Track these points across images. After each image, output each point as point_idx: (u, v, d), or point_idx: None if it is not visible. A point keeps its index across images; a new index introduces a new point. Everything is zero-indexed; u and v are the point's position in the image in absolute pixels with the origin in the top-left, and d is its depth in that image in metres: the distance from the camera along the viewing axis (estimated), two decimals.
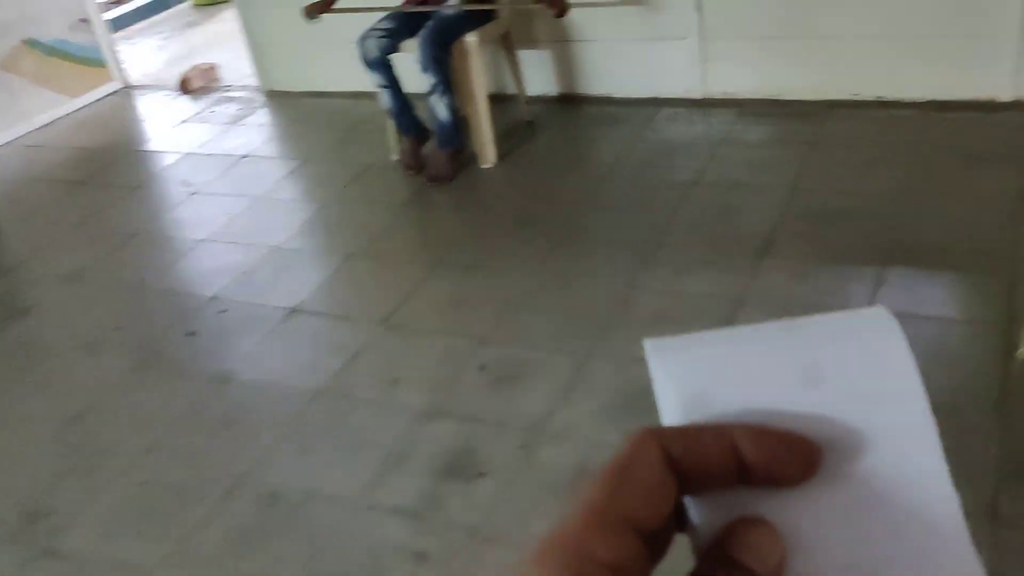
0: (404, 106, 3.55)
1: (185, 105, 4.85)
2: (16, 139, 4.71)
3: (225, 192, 3.80)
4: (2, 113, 4.67)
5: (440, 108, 3.46)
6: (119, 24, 6.12)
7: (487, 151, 3.59)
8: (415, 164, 3.60)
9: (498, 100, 4.03)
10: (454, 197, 3.47)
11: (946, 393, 2.06)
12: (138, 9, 6.65)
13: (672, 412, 0.32)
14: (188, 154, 4.23)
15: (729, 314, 2.53)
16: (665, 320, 2.56)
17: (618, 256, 2.89)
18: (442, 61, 3.39)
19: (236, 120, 4.50)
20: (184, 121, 4.64)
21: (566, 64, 3.98)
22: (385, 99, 3.53)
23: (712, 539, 0.31)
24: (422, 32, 3.37)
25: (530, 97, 3.99)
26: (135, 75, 5.39)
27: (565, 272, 2.86)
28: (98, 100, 5.07)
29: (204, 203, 3.75)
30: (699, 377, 0.33)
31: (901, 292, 2.52)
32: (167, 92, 5.10)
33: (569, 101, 4.03)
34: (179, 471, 2.33)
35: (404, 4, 3.62)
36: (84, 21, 4.98)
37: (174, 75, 5.14)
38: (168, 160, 4.22)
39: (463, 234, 3.21)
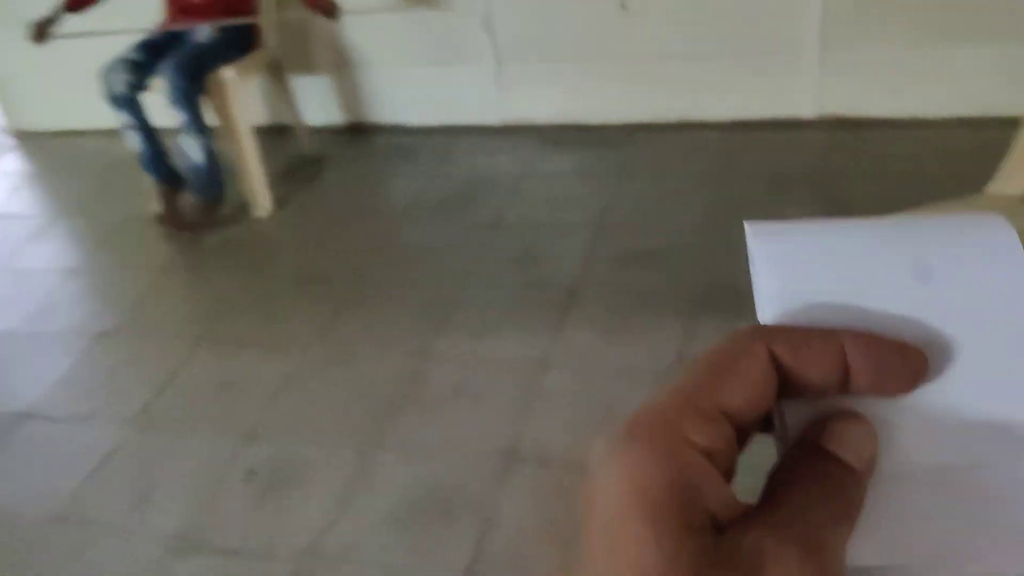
0: (156, 150, 3.09)
1: None
2: None
3: None
4: None
5: (192, 149, 3.02)
6: None
7: (260, 198, 3.17)
8: (173, 217, 3.14)
9: (278, 133, 3.63)
10: (223, 254, 3.04)
11: None
12: None
13: (772, 301, 0.31)
14: None
15: (531, 381, 2.25)
16: (460, 395, 2.24)
17: (410, 319, 2.56)
18: (192, 95, 2.95)
19: None
20: None
21: (351, 91, 3.61)
22: (134, 141, 3.06)
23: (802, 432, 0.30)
24: (169, 61, 2.92)
25: (314, 128, 3.60)
26: None
27: (350, 342, 2.50)
28: None
29: None
30: (803, 265, 0.32)
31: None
32: None
33: (358, 131, 3.66)
34: None
35: (156, 30, 3.15)
36: None
37: None
38: None
39: (234, 300, 2.79)
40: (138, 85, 2.98)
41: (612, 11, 3.17)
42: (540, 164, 3.27)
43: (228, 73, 2.99)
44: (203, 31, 3.03)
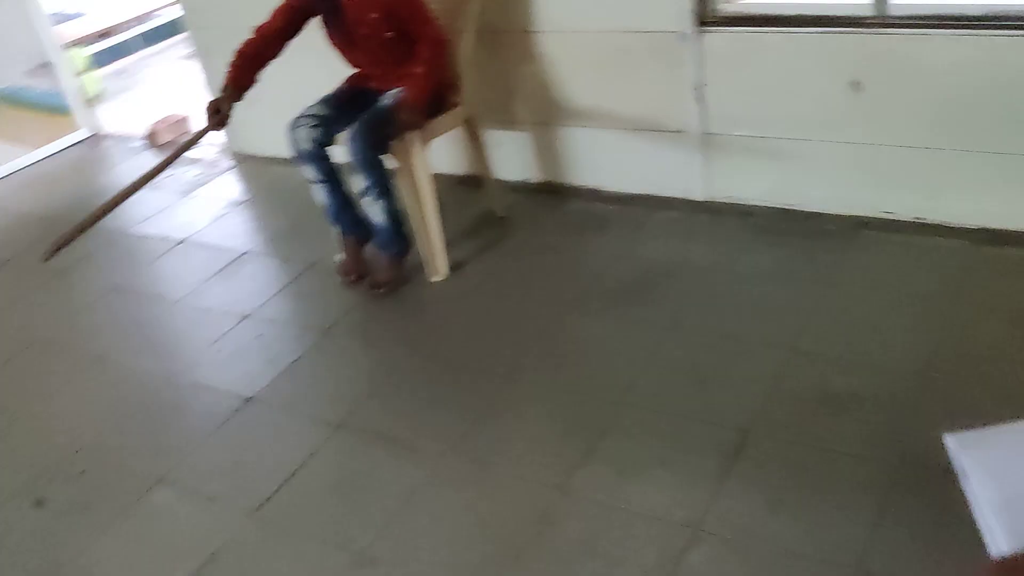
0: (342, 202, 3.02)
1: (150, 162, 4.39)
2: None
3: (144, 290, 3.31)
4: None
5: (375, 212, 2.92)
6: (103, 59, 5.71)
7: (437, 261, 3.02)
8: (354, 269, 3.07)
9: (466, 184, 3.48)
10: (388, 321, 2.90)
11: None
12: (133, 40, 6.22)
13: (993, 514, 0.22)
14: (125, 234, 3.75)
15: (676, 552, 1.92)
16: (593, 553, 1.96)
17: (555, 438, 2.29)
18: (376, 162, 2.84)
19: (190, 190, 4.02)
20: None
21: (548, 149, 3.38)
22: (320, 195, 3.00)
23: None
24: (355, 125, 2.82)
25: (507, 183, 3.41)
26: (110, 120, 4.96)
27: (488, 455, 2.27)
28: (58, 152, 4.65)
29: (117, 305, 3.26)
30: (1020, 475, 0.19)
31: (901, 551, 1.86)
32: (136, 144, 4.65)
33: (551, 192, 3.42)
34: None
35: (344, 84, 3.07)
36: (44, 65, 4.55)
37: (145, 125, 4.70)
38: (101, 240, 3.75)
39: (384, 379, 2.64)
40: (324, 141, 2.91)
41: (842, 89, 2.73)
42: (738, 256, 2.89)
43: (416, 137, 2.85)
44: (392, 92, 2.90)
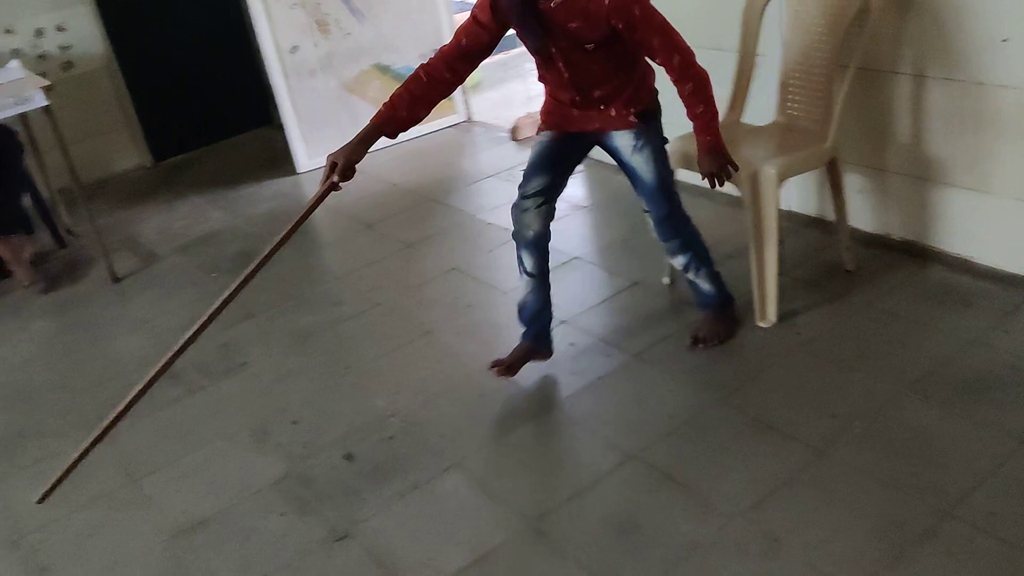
0: (543, 306, 2.75)
1: (509, 154, 4.61)
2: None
3: (479, 276, 3.47)
4: (340, 133, 4.78)
5: (702, 284, 2.80)
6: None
7: (766, 307, 2.85)
8: (509, 370, 2.72)
9: (818, 226, 3.26)
10: (700, 361, 2.77)
11: None
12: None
13: None
14: (475, 219, 3.96)
15: None
16: None
17: (865, 530, 2.05)
18: (688, 233, 2.70)
19: None
20: (490, 176, 4.39)
21: (918, 206, 3.05)
22: (524, 288, 2.72)
23: None
24: (643, 183, 2.57)
25: (862, 233, 3.15)
26: (480, 110, 5.28)
27: (780, 531, 2.09)
28: (437, 131, 5.03)
29: (453, 285, 3.45)
30: None
31: None
32: (501, 135, 4.91)
33: (912, 253, 3.09)
34: None
35: (547, 139, 2.63)
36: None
37: (509, 117, 4.94)
38: (454, 218, 4.00)
39: (681, 422, 2.51)
40: (550, 215, 2.66)
41: None
42: None
43: (769, 169, 2.70)
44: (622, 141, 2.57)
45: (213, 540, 2.37)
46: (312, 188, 4.59)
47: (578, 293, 3.24)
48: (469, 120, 5.19)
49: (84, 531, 2.50)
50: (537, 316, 2.76)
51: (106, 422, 2.35)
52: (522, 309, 2.77)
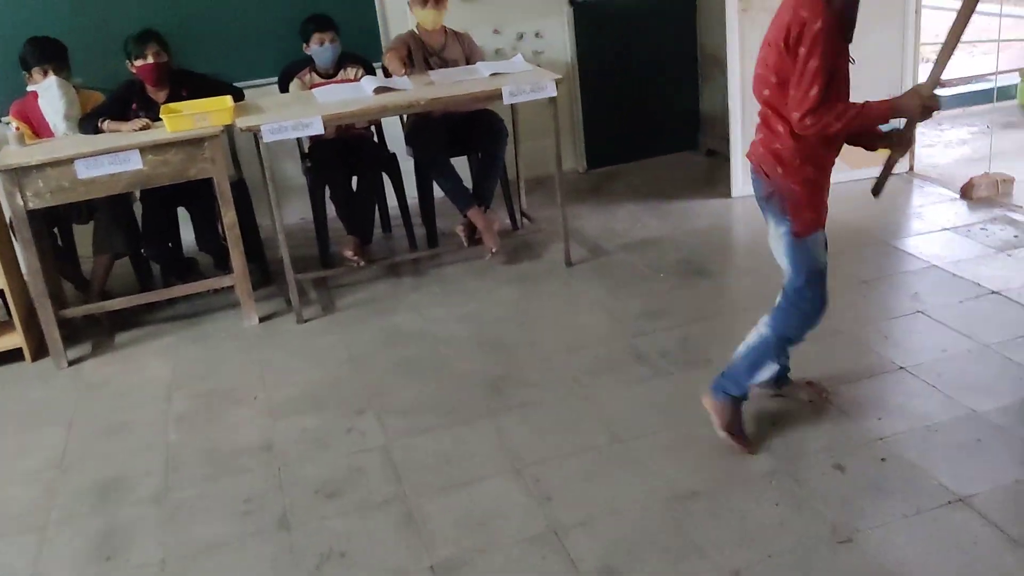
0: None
1: (960, 211, 4.43)
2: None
3: (952, 325, 3.33)
4: None
5: None
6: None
7: None
8: None
9: None
10: None
11: None
12: (959, 95, 6.31)
13: None
14: (934, 266, 3.83)
15: None
16: None
17: None
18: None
19: (1005, 247, 3.94)
20: (949, 228, 4.23)
21: None
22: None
23: None
24: None
25: None
26: (924, 163, 5.11)
27: None
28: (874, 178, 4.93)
29: (923, 327, 3.35)
30: None
31: None
32: (946, 190, 4.72)
33: None
34: None
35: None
36: None
37: (962, 175, 4.74)
38: (910, 264, 3.89)
39: None
40: None
41: None
42: None
43: None
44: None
45: (709, 512, 2.48)
46: (744, 211, 4.69)
47: None
48: (911, 171, 5.04)
49: (579, 475, 2.70)
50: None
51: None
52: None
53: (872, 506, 2.42)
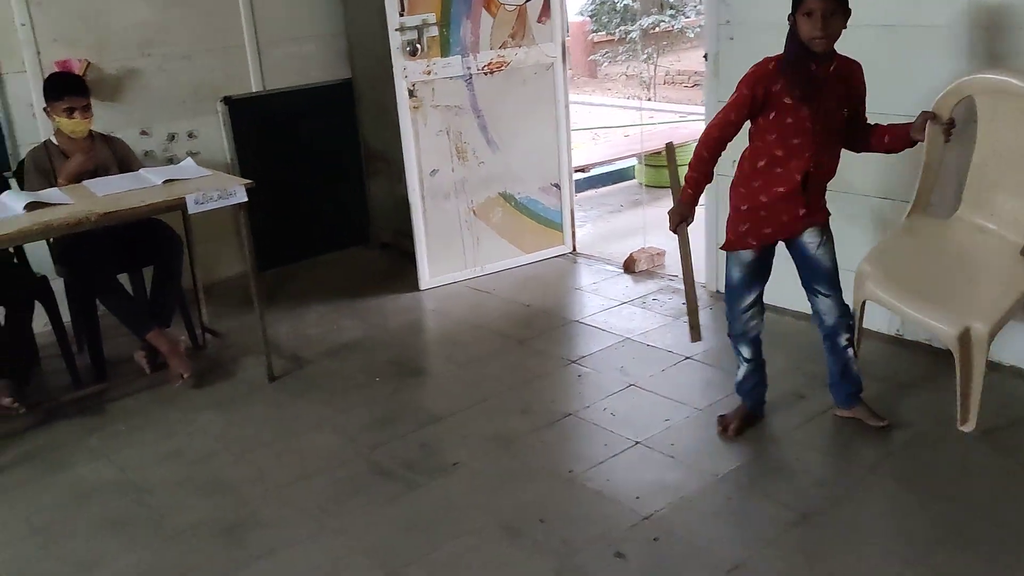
0: (760, 381, 3.29)
1: (628, 285, 4.81)
2: (466, 279, 4.93)
3: (664, 394, 3.57)
4: (463, 255, 4.94)
5: (853, 364, 3.18)
6: (580, 186, 6.37)
7: (969, 412, 3.05)
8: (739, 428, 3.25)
9: None
10: (903, 470, 2.91)
11: None
12: (591, 178, 6.94)
13: None
14: (627, 339, 4.10)
15: None
16: None
17: None
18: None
19: (679, 315, 4.33)
20: (626, 302, 4.56)
21: None
22: (746, 372, 3.25)
23: None
24: (824, 272, 3.03)
25: None
26: (581, 242, 5.51)
27: None
28: (544, 260, 5.21)
29: (641, 400, 3.55)
30: None
31: None
32: (610, 266, 5.11)
33: None
34: None
35: (757, 251, 3.05)
36: (555, 186, 5.18)
37: (620, 251, 5.17)
38: (606, 340, 4.12)
39: (917, 532, 2.63)
40: (762, 320, 3.17)
41: None
42: None
43: (980, 327, 2.92)
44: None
45: None
46: (436, 303, 4.70)
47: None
48: (574, 251, 5.39)
49: None
50: (758, 388, 3.27)
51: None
52: (741, 385, 3.27)
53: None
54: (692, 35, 12.34)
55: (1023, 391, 3.36)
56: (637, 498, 2.89)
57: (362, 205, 5.74)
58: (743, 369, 3.24)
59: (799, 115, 2.83)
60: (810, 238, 2.99)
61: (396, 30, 4.50)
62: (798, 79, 2.79)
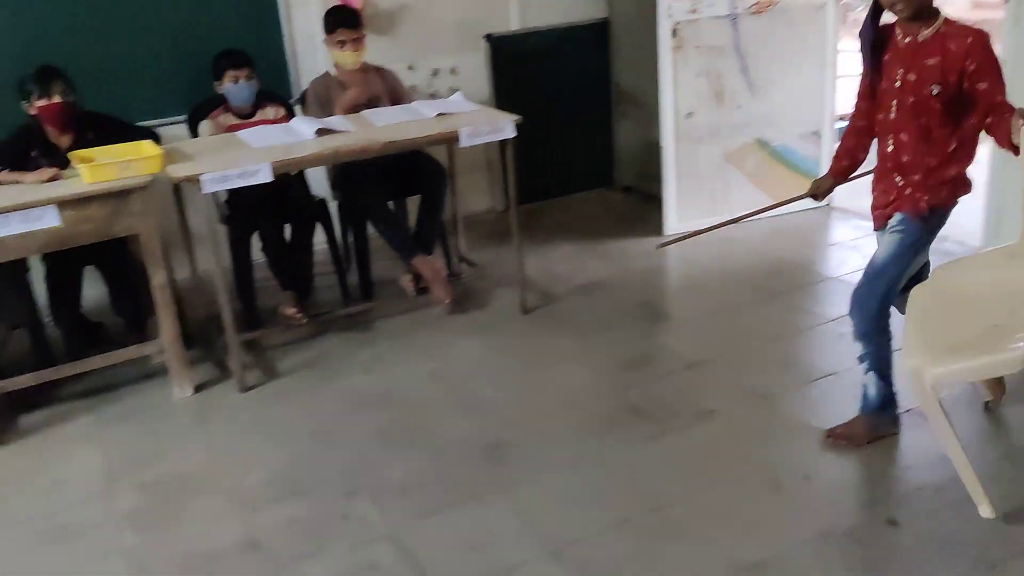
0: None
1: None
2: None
3: None
4: (712, 202, 4.83)
5: (868, 387, 2.84)
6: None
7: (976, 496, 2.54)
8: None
9: None
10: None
11: None
12: None
13: None
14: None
15: None
16: None
17: None
18: (879, 316, 2.73)
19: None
20: None
21: None
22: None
23: None
24: (872, 260, 2.75)
25: None
26: (838, 195, 5.23)
27: None
28: (797, 212, 5.00)
29: None
30: None
31: None
32: (864, 222, 4.84)
33: None
34: None
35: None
36: (815, 134, 4.95)
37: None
38: None
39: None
40: None
41: None
42: None
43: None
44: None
45: None
46: (681, 249, 4.62)
47: None
48: (830, 206, 5.15)
49: (625, 553, 2.48)
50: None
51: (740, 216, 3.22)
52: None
53: (942, 566, 2.34)
54: None
55: None
56: (908, 467, 2.76)
57: (608, 147, 5.74)
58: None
59: (880, 85, 2.66)
60: (890, 222, 2.75)
61: None
62: (863, 42, 2.62)
